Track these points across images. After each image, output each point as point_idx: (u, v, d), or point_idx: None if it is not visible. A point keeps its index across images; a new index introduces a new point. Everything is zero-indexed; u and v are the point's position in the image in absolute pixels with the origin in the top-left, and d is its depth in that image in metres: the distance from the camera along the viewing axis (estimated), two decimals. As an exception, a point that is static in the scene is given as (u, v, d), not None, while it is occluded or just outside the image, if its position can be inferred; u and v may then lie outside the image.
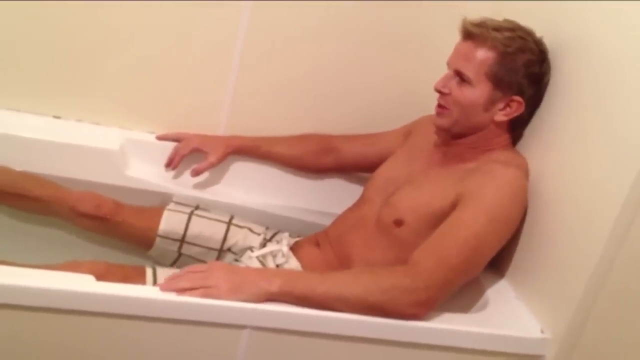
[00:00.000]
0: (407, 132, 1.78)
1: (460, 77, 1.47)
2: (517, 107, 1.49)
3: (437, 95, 1.53)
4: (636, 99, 1.23)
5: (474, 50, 1.46)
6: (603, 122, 1.31)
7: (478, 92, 1.47)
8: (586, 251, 1.30)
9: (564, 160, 1.42)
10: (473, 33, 1.46)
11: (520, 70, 1.46)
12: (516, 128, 1.55)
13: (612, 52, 1.32)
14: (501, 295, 1.49)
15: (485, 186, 1.42)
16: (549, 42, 1.50)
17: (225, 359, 1.31)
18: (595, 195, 1.30)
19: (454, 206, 1.42)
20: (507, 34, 1.45)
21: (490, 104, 1.48)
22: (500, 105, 1.48)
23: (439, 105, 1.52)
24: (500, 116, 1.49)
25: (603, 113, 1.32)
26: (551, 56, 1.50)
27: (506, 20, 1.49)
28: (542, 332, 1.38)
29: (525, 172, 1.49)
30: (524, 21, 1.51)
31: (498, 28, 1.45)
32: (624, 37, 1.30)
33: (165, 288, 1.24)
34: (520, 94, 1.48)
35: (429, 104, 1.72)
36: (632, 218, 1.23)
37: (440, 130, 1.56)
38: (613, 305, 1.25)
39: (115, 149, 1.78)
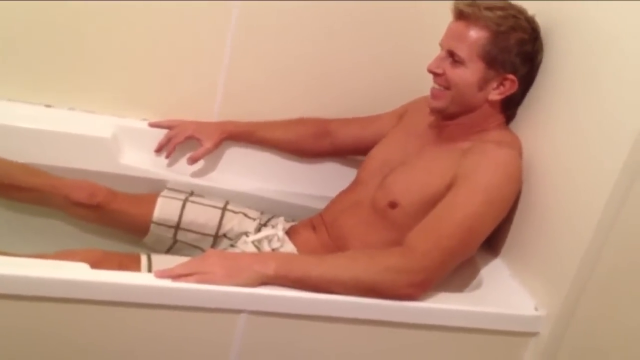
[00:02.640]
0: (401, 114, 1.77)
1: (453, 57, 1.47)
2: (510, 85, 1.48)
3: (430, 76, 1.53)
4: (628, 77, 1.23)
5: (466, 30, 1.45)
6: (595, 100, 1.31)
7: (471, 71, 1.46)
8: (579, 229, 1.30)
9: (557, 139, 1.42)
10: (465, 13, 1.45)
11: (513, 49, 1.46)
12: (509, 107, 1.55)
13: (605, 31, 1.32)
14: (496, 274, 1.50)
15: (479, 166, 1.42)
16: (541, 20, 1.49)
17: (221, 344, 1.32)
18: (588, 174, 1.30)
19: (448, 187, 1.42)
20: (499, 12, 1.45)
21: (484, 84, 1.48)
22: (494, 84, 1.48)
23: (434, 87, 1.52)
24: (494, 95, 1.49)
25: (595, 92, 1.32)
26: (544, 35, 1.50)
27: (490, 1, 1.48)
28: (536, 309, 1.38)
29: (519, 151, 1.49)
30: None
31: (490, 7, 1.45)
32: (616, 16, 1.29)
33: (160, 275, 1.24)
34: (514, 72, 1.47)
35: (423, 86, 1.72)
36: (625, 195, 1.23)
37: (435, 111, 1.55)
38: (606, 283, 1.26)
39: (108, 136, 1.77)
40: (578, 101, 1.37)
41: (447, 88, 1.49)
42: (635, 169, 1.21)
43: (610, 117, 1.26)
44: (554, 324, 1.35)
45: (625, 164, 1.21)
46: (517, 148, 1.50)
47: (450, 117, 1.54)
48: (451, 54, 1.47)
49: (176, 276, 1.25)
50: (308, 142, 1.88)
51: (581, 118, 1.35)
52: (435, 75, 1.51)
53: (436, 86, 1.52)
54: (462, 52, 1.45)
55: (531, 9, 1.50)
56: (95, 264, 1.27)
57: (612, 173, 1.23)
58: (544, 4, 1.50)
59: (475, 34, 1.45)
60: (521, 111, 1.56)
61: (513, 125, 1.58)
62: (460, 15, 1.47)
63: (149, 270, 1.44)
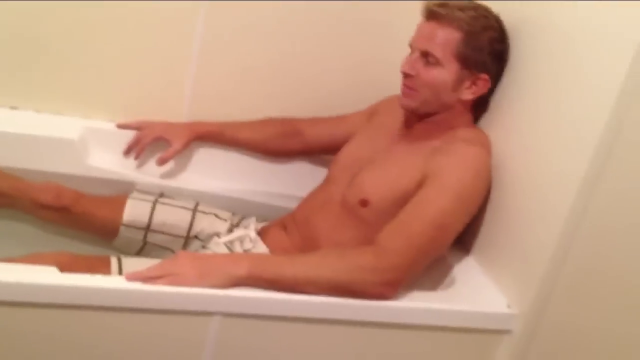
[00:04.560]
0: (371, 113, 1.78)
1: (428, 58, 1.47)
2: (483, 84, 1.51)
3: (399, 76, 1.53)
4: (592, 77, 1.25)
5: (439, 30, 1.46)
6: (561, 99, 1.33)
7: (446, 72, 1.47)
8: (548, 226, 1.32)
9: (525, 137, 1.44)
10: (438, 13, 1.46)
11: (486, 48, 1.48)
12: (478, 106, 1.56)
13: (568, 31, 1.34)
14: (468, 272, 1.51)
15: (449, 164, 1.43)
16: (506, 20, 1.51)
17: (194, 346, 1.31)
18: (556, 172, 1.32)
19: (419, 185, 1.43)
20: (471, 12, 1.47)
21: (458, 83, 1.49)
22: (467, 83, 1.50)
23: (406, 86, 1.52)
24: (467, 94, 1.51)
25: (561, 90, 1.34)
26: (511, 34, 1.52)
27: (462, 1, 1.49)
28: (508, 307, 1.40)
29: (488, 149, 1.51)
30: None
31: (461, 7, 1.46)
32: (578, 15, 1.32)
33: (131, 277, 1.23)
34: (486, 71, 1.49)
35: (392, 86, 1.72)
36: (591, 193, 1.25)
37: (407, 110, 1.56)
38: (576, 280, 1.28)
39: (75, 138, 1.74)
40: (545, 100, 1.39)
41: (420, 88, 1.50)
42: (600, 166, 1.23)
43: (577, 115, 1.28)
44: (526, 322, 1.37)
45: (591, 161, 1.23)
46: (486, 146, 1.51)
47: (421, 116, 1.55)
48: (425, 55, 1.48)
49: (147, 278, 1.24)
50: (277, 142, 1.87)
51: (548, 117, 1.37)
52: (408, 76, 1.50)
53: (409, 84, 1.51)
54: (437, 52, 1.46)
55: (495, 8, 1.52)
56: (65, 268, 1.25)
57: (578, 171, 1.25)
58: (508, 4, 1.52)
59: (449, 35, 1.45)
60: (490, 110, 1.58)
61: (482, 123, 1.60)
62: (432, 15, 1.47)
63: (120, 273, 1.42)
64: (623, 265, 1.17)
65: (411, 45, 1.51)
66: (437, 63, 1.47)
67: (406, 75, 1.50)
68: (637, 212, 1.15)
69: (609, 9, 1.24)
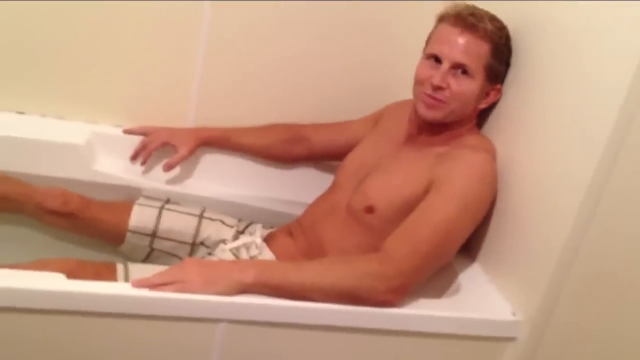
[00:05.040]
0: (376, 119, 1.77)
1: (462, 69, 1.45)
2: (495, 94, 1.53)
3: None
4: (598, 81, 1.25)
5: (474, 42, 1.44)
6: (567, 105, 1.33)
7: (475, 84, 1.47)
8: (554, 233, 1.31)
9: (530, 144, 1.43)
10: (473, 25, 1.44)
11: (505, 60, 1.50)
12: (482, 112, 1.56)
13: (574, 33, 1.34)
14: (473, 279, 1.51)
15: (455, 171, 1.43)
16: (511, 23, 1.51)
17: (201, 353, 1.31)
18: (561, 179, 1.32)
19: (425, 192, 1.43)
20: (497, 24, 1.47)
21: (482, 95, 1.50)
22: (485, 94, 1.51)
23: (433, 98, 1.47)
24: (483, 104, 1.52)
25: (567, 96, 1.33)
26: (517, 40, 1.52)
27: (481, 9, 1.49)
28: (513, 314, 1.40)
29: (493, 156, 1.51)
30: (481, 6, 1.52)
31: (489, 18, 1.46)
32: (586, 19, 1.31)
33: (137, 284, 1.23)
34: (501, 81, 1.51)
35: (397, 92, 1.73)
36: (597, 200, 1.24)
37: (431, 121, 1.51)
38: (582, 287, 1.27)
39: (82, 143, 1.74)
40: (550, 106, 1.38)
41: (449, 100, 1.47)
42: (607, 173, 1.22)
43: (582, 120, 1.28)
44: (531, 329, 1.36)
45: (597, 168, 1.23)
46: (491, 152, 1.51)
47: (431, 124, 1.53)
48: (459, 67, 1.45)
49: (154, 285, 1.24)
50: (283, 148, 1.87)
51: (553, 123, 1.37)
52: (439, 89, 1.46)
53: (438, 96, 1.47)
54: (472, 65, 1.44)
55: (501, 10, 1.52)
56: (71, 274, 1.25)
57: (585, 177, 1.25)
58: (514, 5, 1.52)
59: (482, 47, 1.45)
60: (494, 116, 1.58)
61: (486, 129, 1.60)
62: (466, 26, 1.44)
63: (126, 279, 1.42)
64: (629, 273, 1.17)
65: (438, 55, 1.46)
66: (469, 75, 1.46)
67: (436, 88, 1.47)
68: (644, 221, 1.15)
69: (614, 10, 1.23)
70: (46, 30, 1.74)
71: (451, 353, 1.42)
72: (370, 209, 1.50)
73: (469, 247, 1.55)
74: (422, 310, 1.36)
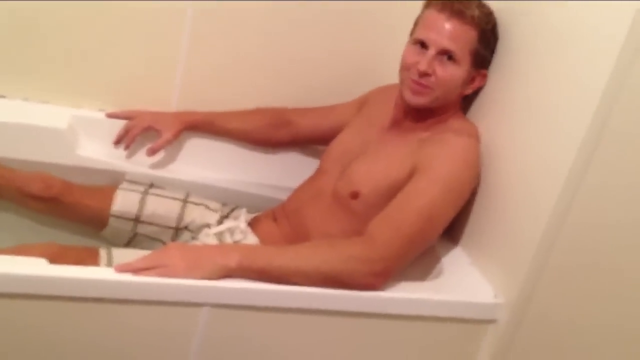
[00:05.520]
0: (361, 104, 1.77)
1: (448, 55, 1.45)
2: (481, 80, 1.53)
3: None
4: (580, 70, 1.26)
5: (460, 28, 1.44)
6: (550, 92, 1.34)
7: (461, 70, 1.47)
8: (536, 217, 1.33)
9: (513, 129, 1.44)
10: (460, 11, 1.44)
11: (492, 46, 1.51)
12: (467, 97, 1.57)
13: (558, 24, 1.34)
14: (456, 263, 1.52)
15: (439, 155, 1.44)
16: (498, 11, 1.51)
17: (184, 337, 1.31)
18: (543, 164, 1.33)
19: (409, 176, 1.43)
20: (484, 10, 1.48)
21: (468, 80, 1.51)
22: (470, 79, 1.51)
23: (419, 84, 1.47)
24: (468, 90, 1.53)
25: (550, 84, 1.34)
26: (503, 25, 1.52)
27: None
28: (495, 297, 1.41)
29: (477, 140, 1.51)
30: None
31: (478, 5, 1.46)
32: (568, 7, 1.32)
33: (121, 269, 1.23)
34: (486, 67, 1.52)
35: (382, 76, 1.73)
36: (577, 185, 1.26)
37: (416, 107, 1.51)
38: (562, 270, 1.29)
39: (64, 127, 1.73)
40: (533, 92, 1.39)
41: (435, 86, 1.47)
42: (588, 158, 1.24)
43: (564, 107, 1.29)
44: (512, 311, 1.38)
45: (578, 153, 1.24)
46: (475, 136, 1.52)
47: (417, 109, 1.53)
48: (444, 52, 1.45)
49: (137, 270, 1.24)
50: (267, 132, 1.87)
51: (537, 109, 1.37)
52: (425, 75, 1.46)
53: (424, 82, 1.47)
54: (458, 51, 1.45)
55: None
56: (53, 259, 1.25)
57: (565, 163, 1.26)
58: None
59: (469, 33, 1.45)
60: (479, 101, 1.58)
61: (471, 114, 1.60)
62: (453, 12, 1.44)
63: (109, 264, 1.42)
64: (608, 257, 1.18)
65: (425, 41, 1.46)
66: (455, 61, 1.46)
67: (423, 74, 1.46)
68: (623, 204, 1.16)
69: (596, 2, 1.24)
70: (29, 14, 1.72)
71: (433, 335, 1.43)
72: (355, 195, 1.51)
73: (452, 231, 1.56)
74: (405, 293, 1.37)
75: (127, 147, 1.79)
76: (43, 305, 1.20)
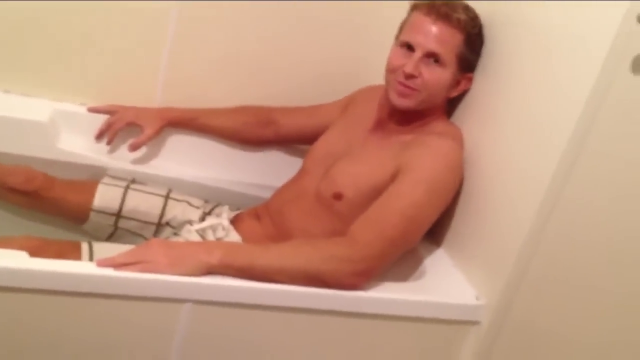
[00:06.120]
0: (346, 104, 1.77)
1: (434, 58, 1.46)
2: (466, 83, 1.54)
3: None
4: (564, 75, 1.27)
5: (447, 31, 1.45)
6: (534, 96, 1.35)
7: (447, 73, 1.48)
8: (518, 220, 1.34)
9: (497, 133, 1.45)
10: (446, 14, 1.45)
11: (478, 49, 1.52)
12: (452, 100, 1.58)
13: (543, 29, 1.36)
14: (438, 264, 1.53)
15: (422, 158, 1.44)
16: (486, 14, 1.53)
17: (165, 333, 1.30)
18: (526, 167, 1.34)
19: (392, 178, 1.44)
20: (470, 14, 1.49)
21: (454, 83, 1.51)
22: (456, 82, 1.52)
23: (405, 86, 1.48)
24: (453, 93, 1.54)
25: (534, 88, 1.35)
26: (489, 29, 1.53)
27: None
28: (477, 298, 1.42)
29: (460, 143, 1.52)
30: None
31: (465, 8, 1.48)
32: (553, 12, 1.33)
33: (102, 264, 1.22)
34: (472, 70, 1.53)
35: (367, 76, 1.73)
36: (560, 189, 1.27)
37: (401, 109, 1.52)
38: (544, 273, 1.30)
39: (45, 120, 1.71)
40: (517, 96, 1.40)
41: (421, 88, 1.47)
42: (571, 162, 1.25)
43: (548, 111, 1.30)
44: (494, 313, 1.39)
45: (561, 157, 1.25)
46: (458, 139, 1.53)
47: (402, 111, 1.53)
48: (430, 55, 1.45)
49: (119, 265, 1.23)
50: (251, 130, 1.86)
51: (520, 112, 1.39)
52: (411, 77, 1.46)
53: (410, 85, 1.47)
54: (445, 54, 1.45)
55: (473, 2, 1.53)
56: (34, 252, 1.23)
57: (549, 166, 1.27)
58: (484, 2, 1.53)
59: (455, 36, 1.46)
60: (463, 104, 1.59)
61: (456, 117, 1.61)
62: (439, 15, 1.45)
63: (90, 258, 1.41)
64: (591, 260, 1.19)
65: (411, 44, 1.47)
66: (442, 64, 1.46)
67: (409, 76, 1.47)
68: (605, 209, 1.17)
69: (582, 8, 1.25)
70: (11, 7, 1.70)
71: (415, 336, 1.44)
72: (338, 196, 1.51)
73: (435, 233, 1.57)
74: (387, 294, 1.37)
75: (109, 142, 1.77)
76: (23, 299, 1.18)
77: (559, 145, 1.25)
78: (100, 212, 1.66)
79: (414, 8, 1.51)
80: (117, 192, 1.68)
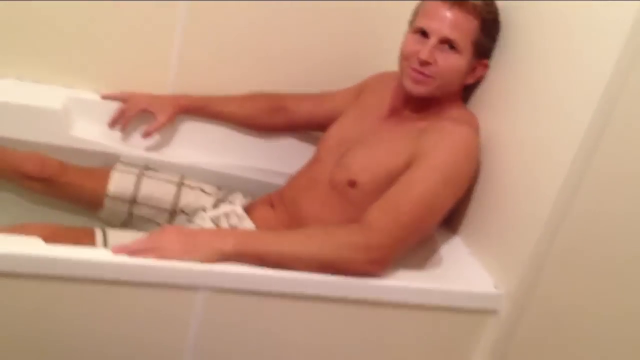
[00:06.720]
0: (359, 91, 1.76)
1: (449, 44, 1.44)
2: (482, 69, 1.53)
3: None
4: (584, 59, 1.25)
5: (462, 17, 1.44)
6: (552, 82, 1.33)
7: (463, 59, 1.46)
8: (537, 207, 1.32)
9: (515, 119, 1.44)
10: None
11: (495, 36, 1.50)
12: (468, 86, 1.56)
13: (562, 13, 1.34)
14: (455, 252, 1.52)
15: (438, 144, 1.43)
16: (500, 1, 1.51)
17: (179, 320, 1.30)
18: (545, 153, 1.33)
19: (407, 165, 1.42)
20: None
21: (469, 70, 1.50)
22: (472, 69, 1.51)
23: (420, 73, 1.46)
24: (469, 79, 1.52)
25: (553, 73, 1.34)
26: (505, 14, 1.51)
27: None
28: (495, 287, 1.41)
29: (476, 129, 1.51)
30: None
31: None
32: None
33: (117, 250, 1.22)
34: (488, 57, 1.51)
35: (381, 62, 1.72)
36: (580, 177, 1.25)
37: (417, 96, 1.50)
38: (563, 261, 1.29)
39: (59, 108, 1.71)
40: (535, 82, 1.39)
41: (436, 75, 1.46)
42: (591, 150, 1.23)
43: (567, 97, 1.28)
44: (513, 302, 1.38)
45: (581, 143, 1.24)
46: (474, 126, 1.51)
47: (417, 97, 1.52)
48: (445, 41, 1.44)
49: (133, 252, 1.23)
50: (263, 117, 1.86)
51: (538, 98, 1.37)
52: (426, 64, 1.45)
53: (425, 71, 1.45)
54: (460, 40, 1.44)
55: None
56: (49, 239, 1.23)
57: (568, 152, 1.26)
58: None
59: (471, 22, 1.44)
60: (479, 90, 1.58)
61: (472, 104, 1.59)
62: (454, 1, 1.43)
63: (105, 245, 1.41)
64: (609, 249, 1.18)
65: (426, 30, 1.45)
66: (456, 50, 1.45)
67: (424, 63, 1.45)
68: (625, 195, 1.16)
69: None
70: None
71: (433, 325, 1.43)
72: (352, 183, 1.50)
73: (451, 220, 1.56)
74: (404, 282, 1.36)
75: (122, 129, 1.77)
76: (38, 285, 1.18)
77: (579, 131, 1.24)
78: (114, 198, 1.66)
79: None
80: (131, 179, 1.68)
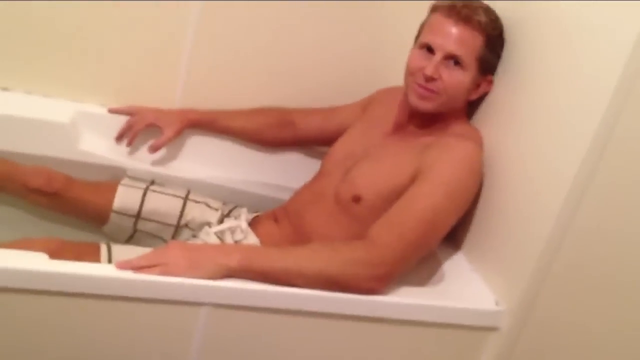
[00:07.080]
0: (365, 106, 1.77)
1: (455, 60, 1.45)
2: (487, 85, 1.53)
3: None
4: (587, 76, 1.25)
5: (467, 33, 1.44)
6: (556, 98, 1.33)
7: (468, 75, 1.47)
8: (539, 224, 1.32)
9: (518, 135, 1.44)
10: (467, 16, 1.43)
11: (499, 52, 1.50)
12: (472, 102, 1.56)
13: (566, 28, 1.34)
14: (457, 268, 1.51)
15: (442, 160, 1.43)
16: (504, 16, 1.51)
17: (183, 336, 1.30)
18: (547, 170, 1.33)
19: (411, 181, 1.43)
20: (491, 15, 1.47)
21: (474, 86, 1.50)
22: (476, 85, 1.51)
23: (425, 89, 1.47)
24: (474, 95, 1.52)
25: (556, 90, 1.34)
26: (509, 31, 1.51)
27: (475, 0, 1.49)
28: (497, 304, 1.40)
29: (480, 145, 1.51)
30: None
31: (486, 10, 1.46)
32: (577, 13, 1.31)
33: (121, 266, 1.22)
34: (493, 73, 1.52)
35: (387, 77, 1.72)
36: (582, 192, 1.25)
37: (422, 112, 1.51)
38: (565, 278, 1.28)
39: (67, 122, 1.72)
40: (539, 98, 1.39)
41: (441, 91, 1.46)
42: (593, 165, 1.23)
43: (570, 114, 1.28)
44: (513, 319, 1.37)
45: (583, 160, 1.24)
46: (478, 142, 1.51)
47: (422, 113, 1.52)
48: (452, 57, 1.44)
49: (138, 267, 1.23)
50: (270, 132, 1.86)
51: (542, 115, 1.37)
52: (431, 79, 1.45)
53: (430, 87, 1.46)
54: (466, 56, 1.44)
55: (493, 3, 1.52)
56: (54, 254, 1.24)
57: (570, 169, 1.26)
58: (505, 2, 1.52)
59: (476, 38, 1.45)
60: (483, 106, 1.58)
61: (476, 120, 1.60)
62: (460, 17, 1.44)
63: (109, 260, 1.41)
64: (612, 265, 1.18)
65: (431, 45, 1.46)
66: (461, 66, 1.45)
67: (429, 79, 1.45)
68: (628, 212, 1.16)
69: (605, 7, 1.24)
70: (33, 7, 1.71)
71: (434, 342, 1.43)
72: (357, 199, 1.50)
73: (454, 236, 1.56)
74: (406, 299, 1.36)
75: (129, 144, 1.78)
76: (42, 301, 1.19)
77: (582, 147, 1.23)
78: (120, 213, 1.67)
79: (434, 9, 1.50)
80: (136, 194, 1.69)
